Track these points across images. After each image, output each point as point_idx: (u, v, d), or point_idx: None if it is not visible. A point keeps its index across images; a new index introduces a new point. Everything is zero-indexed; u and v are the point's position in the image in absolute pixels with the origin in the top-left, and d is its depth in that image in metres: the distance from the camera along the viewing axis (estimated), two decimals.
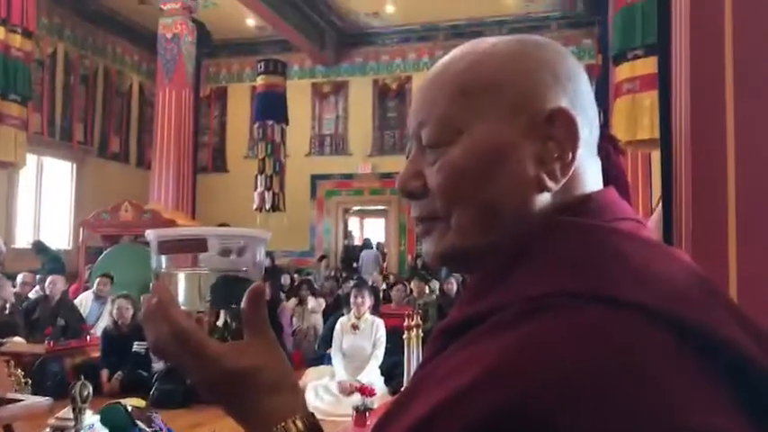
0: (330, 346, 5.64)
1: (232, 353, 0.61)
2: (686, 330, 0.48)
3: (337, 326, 5.62)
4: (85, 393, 1.52)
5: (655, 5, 2.98)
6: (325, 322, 7.10)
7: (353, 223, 14.50)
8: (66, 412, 1.64)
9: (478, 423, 0.44)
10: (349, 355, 5.44)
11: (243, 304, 0.63)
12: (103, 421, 1.88)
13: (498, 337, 0.48)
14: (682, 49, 2.06)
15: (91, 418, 1.77)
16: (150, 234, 0.63)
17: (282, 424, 0.59)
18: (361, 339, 5.46)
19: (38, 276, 7.34)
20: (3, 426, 1.02)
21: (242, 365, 0.60)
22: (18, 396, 1.07)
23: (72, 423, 1.50)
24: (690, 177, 1.90)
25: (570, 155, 0.58)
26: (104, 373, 5.73)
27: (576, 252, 0.53)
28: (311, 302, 7.71)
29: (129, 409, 2.17)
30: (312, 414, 0.62)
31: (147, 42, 12.35)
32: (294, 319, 7.64)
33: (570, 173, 0.58)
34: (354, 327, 5.49)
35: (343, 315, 5.82)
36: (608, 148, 2.43)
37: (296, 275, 9.87)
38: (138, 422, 2.07)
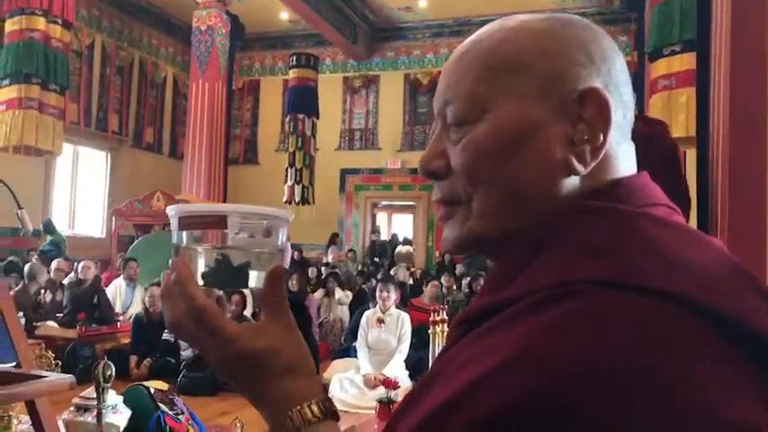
0: (356, 339, 5.65)
1: (249, 333, 0.59)
2: (718, 320, 0.46)
3: (363, 319, 5.63)
4: (108, 374, 1.55)
5: (694, 2, 2.92)
6: (351, 315, 7.12)
7: (382, 218, 14.51)
8: (90, 392, 1.66)
9: (497, 412, 0.43)
10: (374, 349, 5.45)
11: (262, 284, 0.61)
12: (126, 402, 1.91)
13: (520, 325, 0.47)
14: (722, 46, 2.01)
15: (114, 398, 1.80)
16: (171, 210, 0.62)
17: (298, 408, 0.58)
18: (387, 333, 5.46)
19: (75, 263, 7.48)
20: (26, 402, 1.04)
21: (258, 346, 0.59)
22: (42, 372, 1.09)
23: (95, 402, 1.53)
24: (727, 175, 1.86)
25: (601, 137, 0.56)
26: (133, 359, 5.83)
27: (603, 238, 0.51)
28: (338, 294, 7.74)
29: (152, 391, 2.20)
30: (329, 399, 0.60)
31: (181, 35, 12.50)
32: (321, 311, 7.68)
33: (600, 156, 0.56)
34: (380, 321, 5.49)
35: (369, 308, 5.83)
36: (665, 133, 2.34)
37: (323, 268, 9.91)
38: (161, 404, 2.09)
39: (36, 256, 7.60)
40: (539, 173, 0.56)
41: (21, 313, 5.32)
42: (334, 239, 12.16)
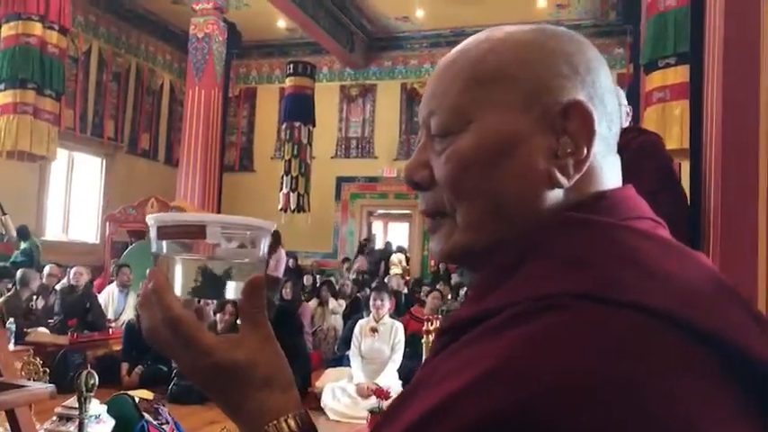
0: (349, 348, 5.63)
1: (225, 345, 0.58)
2: (699, 336, 0.45)
3: (356, 328, 5.61)
4: (91, 383, 1.52)
5: (688, 14, 2.93)
6: (345, 324, 7.10)
7: (377, 226, 14.50)
8: (73, 401, 1.64)
9: (475, 426, 0.43)
10: (367, 358, 5.43)
11: (240, 295, 0.61)
12: (110, 411, 1.89)
13: (501, 337, 0.46)
14: (714, 59, 2.02)
15: (98, 407, 1.78)
16: (150, 219, 0.61)
17: (275, 422, 0.57)
18: (380, 342, 5.44)
19: (67, 269, 7.45)
20: (5, 411, 1.03)
21: (235, 359, 0.58)
22: (22, 382, 1.08)
23: (77, 412, 1.51)
24: (719, 187, 1.86)
25: (585, 150, 0.55)
26: (125, 367, 5.79)
27: (585, 251, 0.50)
28: (332, 303, 7.72)
29: (137, 400, 2.17)
30: (306, 413, 0.59)
31: (178, 42, 12.52)
32: (315, 320, 7.65)
33: (584, 169, 0.56)
34: (373, 330, 5.47)
35: (363, 317, 5.81)
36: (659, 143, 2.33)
37: (318, 276, 9.89)
38: (145, 414, 2.07)
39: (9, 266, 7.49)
40: (522, 185, 0.56)
41: (11, 319, 5.29)
42: (363, 248, 12.00)
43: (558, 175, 0.55)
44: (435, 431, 0.44)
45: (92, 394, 1.58)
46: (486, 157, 0.56)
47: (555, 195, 0.56)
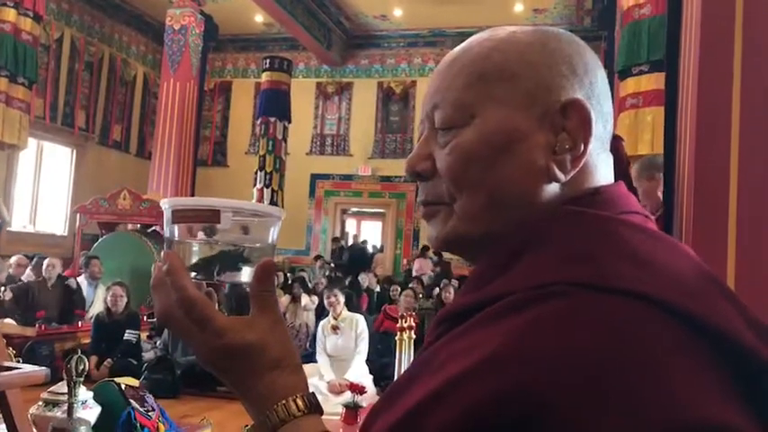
0: None
1: (237, 327, 0.60)
2: (691, 322, 0.48)
3: (319, 330, 5.60)
4: (81, 368, 1.52)
5: (662, 23, 3.00)
6: (317, 321, 7.09)
7: (351, 224, 14.49)
8: (60, 386, 1.63)
9: (476, 409, 0.44)
10: (334, 356, 5.42)
11: (251, 278, 0.62)
12: (96, 398, 1.88)
13: (499, 324, 0.48)
14: (690, 67, 2.08)
15: (85, 394, 1.77)
16: (165, 203, 0.63)
17: (283, 402, 0.58)
18: (344, 339, 5.44)
19: (37, 259, 7.31)
20: None
21: (247, 340, 0.59)
22: (15, 365, 1.07)
23: (65, 397, 1.50)
24: (692, 192, 1.91)
25: (582, 147, 0.58)
26: (93, 360, 5.70)
27: (581, 242, 0.53)
28: (304, 300, 7.70)
29: (123, 387, 2.17)
30: (313, 394, 0.61)
31: (153, 33, 12.36)
32: (287, 316, 7.63)
33: (581, 165, 0.58)
34: (335, 328, 5.46)
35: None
36: (618, 145, 2.42)
37: (289, 274, 9.85)
38: (131, 400, 2.06)
39: None
40: (521, 179, 0.58)
41: None
42: (424, 252, 11.73)
43: (556, 170, 0.58)
44: (437, 413, 0.46)
45: (81, 379, 1.57)
46: (488, 151, 0.58)
47: (552, 189, 0.58)
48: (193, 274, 0.61)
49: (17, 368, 1.04)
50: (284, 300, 7.81)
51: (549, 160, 0.58)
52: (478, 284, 0.57)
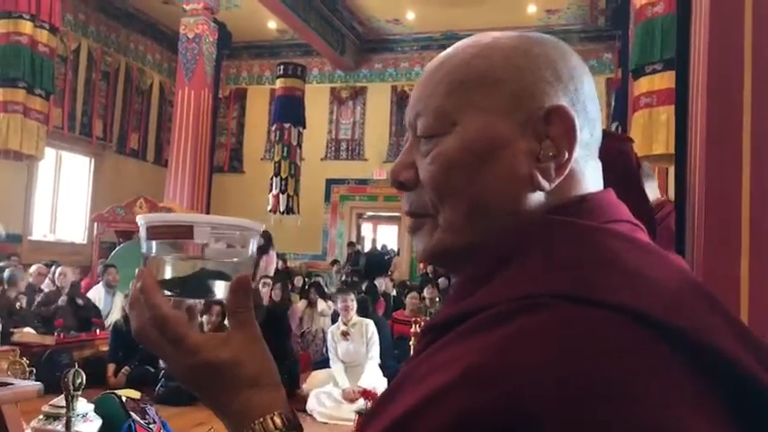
0: None
1: (212, 344, 0.59)
2: (675, 336, 0.46)
3: (329, 336, 5.60)
4: (78, 381, 1.53)
5: (674, 21, 2.97)
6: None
7: (367, 228, 14.50)
8: (60, 400, 1.64)
9: (455, 424, 0.43)
10: (347, 362, 5.42)
11: (227, 295, 0.61)
12: (97, 410, 1.89)
13: (479, 337, 0.47)
14: (700, 65, 2.04)
15: (85, 407, 1.78)
16: (141, 219, 0.62)
17: (260, 420, 0.58)
18: (355, 344, 5.43)
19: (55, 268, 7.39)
20: None
21: (221, 358, 0.59)
22: (8, 380, 1.08)
23: (64, 411, 1.51)
24: (704, 192, 1.88)
25: (566, 154, 0.57)
26: (111, 367, 5.76)
27: (564, 253, 0.51)
28: (320, 305, 7.71)
29: (124, 399, 2.17)
30: (292, 411, 0.60)
31: (168, 42, 12.48)
32: (303, 321, 7.65)
33: (565, 173, 0.57)
34: (345, 333, 5.45)
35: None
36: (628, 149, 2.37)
37: (306, 279, 9.87)
38: (132, 413, 2.07)
39: None
40: (504, 188, 0.57)
41: None
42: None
43: (540, 179, 0.56)
44: (416, 427, 0.45)
45: (79, 393, 1.58)
46: (469, 159, 0.57)
47: (536, 198, 0.57)
48: (167, 291, 0.61)
49: (10, 384, 1.04)
50: (300, 305, 7.84)
51: (533, 168, 0.56)
52: (462, 295, 0.56)
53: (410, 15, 12.10)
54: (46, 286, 6.99)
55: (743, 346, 0.48)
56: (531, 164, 0.56)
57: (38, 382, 1.09)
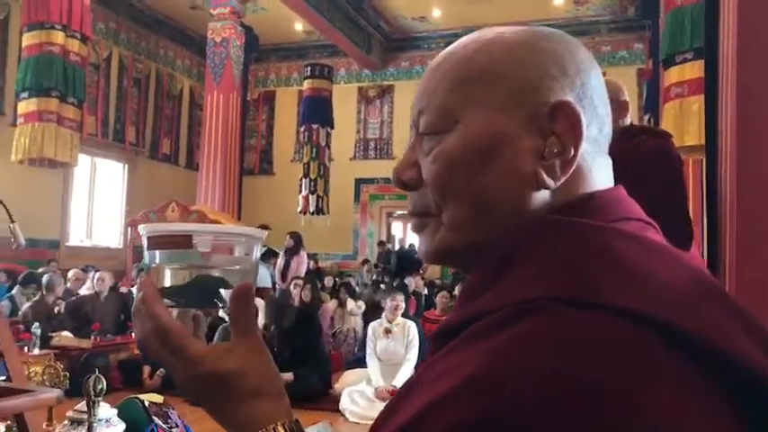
0: None
1: (214, 354, 0.59)
2: (679, 337, 0.45)
3: (369, 330, 5.61)
4: (99, 387, 1.55)
5: (704, 9, 2.90)
6: (366, 325, 7.12)
7: (397, 227, 14.50)
8: (84, 405, 1.67)
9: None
10: (384, 360, 5.43)
11: (229, 304, 0.61)
12: (120, 415, 1.91)
13: (481, 343, 0.46)
14: (729, 53, 1.99)
15: (108, 411, 1.81)
16: (142, 229, 0.62)
17: (263, 430, 0.57)
18: (395, 343, 5.44)
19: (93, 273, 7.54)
20: (14, 415, 1.06)
21: (224, 368, 0.58)
22: (30, 387, 1.11)
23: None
24: (735, 182, 1.84)
25: (572, 151, 0.55)
26: (146, 370, 5.86)
27: (567, 254, 0.50)
28: (350, 305, 7.74)
29: (146, 404, 2.20)
30: (296, 421, 0.59)
31: (197, 47, 12.65)
32: (335, 321, 7.69)
33: (571, 170, 0.55)
34: (387, 331, 5.46)
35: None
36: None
37: (337, 279, 9.91)
38: (155, 417, 2.09)
39: None
40: (507, 186, 0.55)
41: (36, 324, 5.38)
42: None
43: (545, 176, 0.55)
44: None
45: (100, 398, 1.60)
46: (471, 157, 0.56)
47: (542, 196, 0.55)
48: (167, 300, 0.60)
49: (32, 391, 1.07)
50: (331, 305, 7.87)
51: (537, 166, 0.55)
52: (468, 299, 0.55)
53: (436, 12, 12.06)
54: (87, 290, 7.13)
55: (754, 344, 0.46)
56: (535, 161, 0.55)
57: (57, 390, 1.12)
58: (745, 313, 0.50)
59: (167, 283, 0.61)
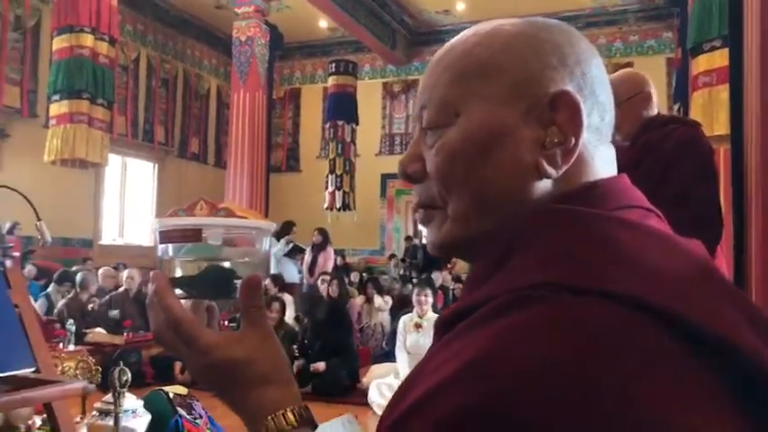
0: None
1: (224, 343, 0.61)
2: (676, 324, 0.45)
3: (400, 324, 5.63)
4: (124, 379, 1.61)
5: None
6: (393, 320, 7.15)
7: None
8: (111, 397, 1.73)
9: (446, 421, 0.43)
10: (413, 354, 5.45)
11: (238, 294, 0.63)
12: (146, 406, 1.97)
13: (480, 330, 0.47)
14: (753, 41, 1.96)
15: (134, 403, 1.86)
16: (155, 223, 0.65)
17: (273, 416, 0.59)
18: (425, 337, 5.45)
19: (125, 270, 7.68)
20: (43, 405, 1.12)
21: (233, 356, 0.60)
22: (58, 378, 1.16)
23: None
24: (760, 171, 1.81)
25: (573, 140, 0.55)
26: (178, 365, 5.96)
27: (567, 242, 0.50)
28: (377, 301, 7.77)
29: (171, 395, 2.25)
30: (306, 407, 0.61)
31: (223, 46, 12.77)
32: (362, 317, 7.73)
33: (572, 159, 0.56)
34: (417, 326, 5.48)
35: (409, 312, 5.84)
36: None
37: (364, 274, 9.95)
38: (179, 408, 2.15)
39: None
40: (509, 177, 0.56)
41: (71, 321, 5.52)
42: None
43: (546, 166, 0.55)
44: (416, 422, 0.45)
45: (125, 390, 1.65)
46: (472, 149, 0.57)
47: (543, 186, 0.56)
48: (180, 292, 0.63)
49: (59, 382, 1.11)
50: (359, 300, 7.91)
51: (539, 155, 0.55)
52: (471, 288, 0.57)
53: (460, 6, 12.01)
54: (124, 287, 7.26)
55: (755, 332, 0.46)
56: (536, 151, 0.56)
57: (82, 381, 1.16)
58: (747, 301, 0.50)
59: (180, 274, 0.63)
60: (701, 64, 4.37)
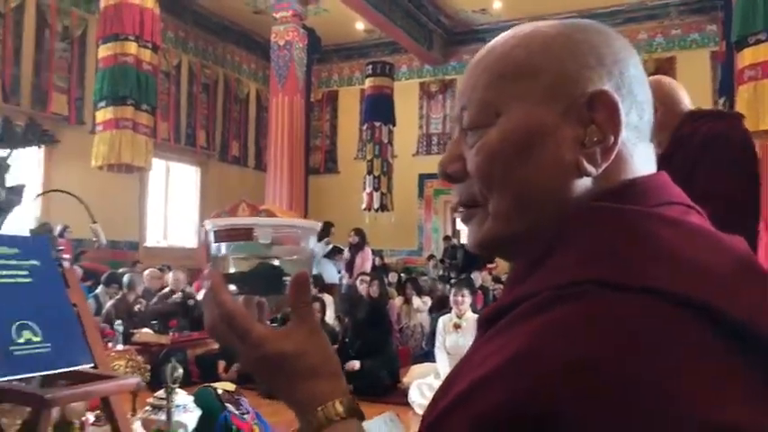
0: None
1: (275, 337, 0.63)
2: (719, 320, 0.45)
3: (439, 324, 5.62)
4: (175, 375, 1.66)
5: None
6: (432, 320, 7.14)
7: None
8: (163, 392, 1.78)
9: (487, 415, 0.45)
10: (452, 354, 5.44)
11: (288, 290, 0.65)
12: (196, 402, 2.03)
13: (522, 326, 0.49)
14: None
15: (185, 398, 1.92)
16: (208, 224, 0.68)
17: (322, 407, 0.61)
18: (464, 338, 5.43)
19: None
20: (101, 399, 1.17)
21: (283, 350, 0.62)
22: (113, 374, 1.22)
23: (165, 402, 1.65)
24: None
25: (612, 139, 0.56)
26: (221, 364, 6.06)
27: (605, 239, 0.51)
28: (416, 302, 7.77)
29: (220, 392, 2.31)
30: (354, 399, 0.63)
31: (262, 51, 12.93)
32: (401, 317, 7.74)
33: (612, 157, 0.57)
34: (456, 326, 5.47)
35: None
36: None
37: (402, 275, 9.95)
38: (228, 404, 2.20)
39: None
40: (549, 175, 0.57)
41: (119, 321, 5.67)
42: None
43: (586, 164, 0.56)
44: (458, 416, 0.47)
45: (176, 385, 1.70)
46: (513, 149, 0.58)
47: (584, 184, 0.57)
48: (233, 288, 0.66)
49: (114, 377, 1.16)
50: (398, 301, 7.92)
51: (578, 154, 0.57)
52: (513, 285, 0.58)
53: (496, 4, 11.92)
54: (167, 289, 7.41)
55: None
56: (576, 150, 0.57)
57: (137, 378, 1.22)
58: None
59: (234, 272, 0.67)
60: (746, 57, 4.27)
